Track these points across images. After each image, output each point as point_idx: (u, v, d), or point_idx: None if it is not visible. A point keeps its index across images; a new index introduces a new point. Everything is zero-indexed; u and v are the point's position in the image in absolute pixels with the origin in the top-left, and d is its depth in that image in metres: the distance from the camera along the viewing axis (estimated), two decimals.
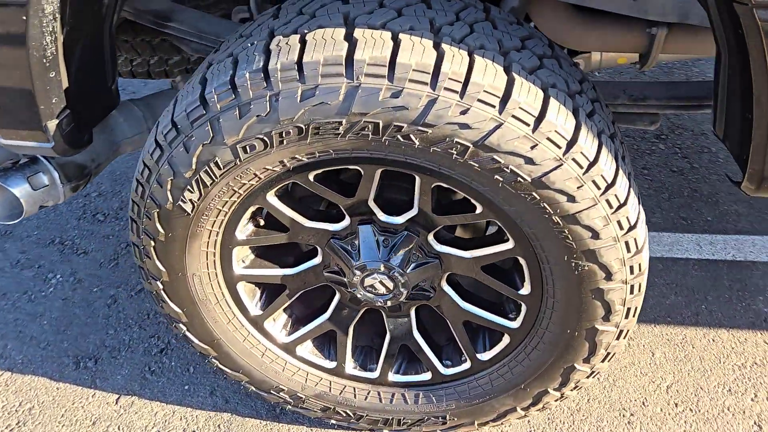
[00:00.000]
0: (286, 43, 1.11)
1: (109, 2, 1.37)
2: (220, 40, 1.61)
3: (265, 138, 1.14)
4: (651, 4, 1.53)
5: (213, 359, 1.59)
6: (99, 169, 1.67)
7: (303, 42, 1.11)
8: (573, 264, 1.22)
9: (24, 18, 1.13)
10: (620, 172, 1.17)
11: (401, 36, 1.09)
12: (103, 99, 1.49)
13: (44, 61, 1.19)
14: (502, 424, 1.62)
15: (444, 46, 1.08)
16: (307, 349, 1.61)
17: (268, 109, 1.11)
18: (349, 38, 1.09)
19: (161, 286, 1.44)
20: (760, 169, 1.11)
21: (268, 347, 1.58)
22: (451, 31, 1.12)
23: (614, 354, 1.41)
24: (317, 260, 1.46)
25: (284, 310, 1.57)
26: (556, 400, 1.52)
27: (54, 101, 1.26)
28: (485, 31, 1.16)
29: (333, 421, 1.70)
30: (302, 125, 1.11)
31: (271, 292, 1.56)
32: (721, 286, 2.09)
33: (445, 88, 1.06)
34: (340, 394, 1.63)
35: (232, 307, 1.51)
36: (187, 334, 1.54)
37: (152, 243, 1.36)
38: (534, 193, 1.13)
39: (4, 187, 1.47)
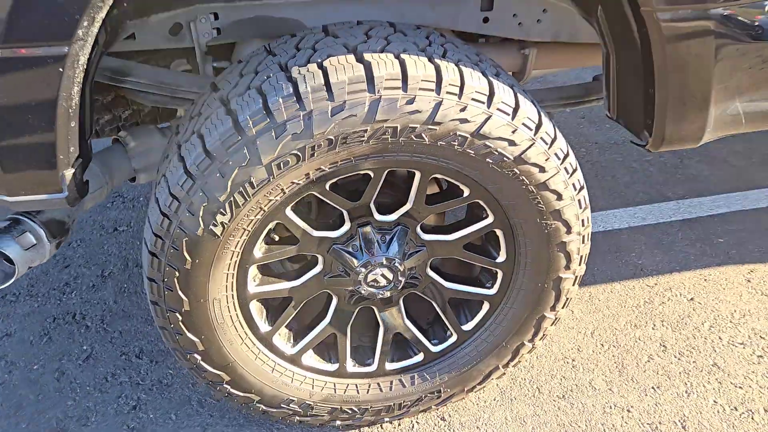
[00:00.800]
0: (308, 71, 1.32)
1: (92, 57, 1.45)
2: (182, 89, 1.73)
3: (298, 153, 1.32)
4: (533, 28, 1.95)
5: (225, 385, 1.66)
6: (73, 225, 1.68)
7: (322, 68, 1.32)
8: (543, 224, 1.54)
9: (60, 70, 1.20)
10: (568, 145, 1.53)
11: (403, 56, 1.35)
12: (84, 152, 1.54)
13: (70, 111, 1.26)
14: (484, 386, 1.87)
15: (436, 60, 1.36)
16: (311, 357, 1.75)
17: (303, 127, 1.30)
18: (362, 61, 1.33)
19: (180, 318, 1.51)
20: (662, 131, 1.53)
21: (277, 362, 1.69)
22: (433, 50, 1.41)
23: (571, 299, 1.74)
24: (319, 268, 1.63)
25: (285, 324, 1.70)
26: (528, 352, 1.81)
27: (71, 150, 1.32)
28: (454, 50, 1.46)
29: (338, 422, 1.83)
30: (333, 137, 1.31)
31: (274, 307, 1.69)
32: (603, 251, 2.57)
33: (447, 92, 1.33)
34: (345, 392, 1.78)
35: (245, 327, 1.61)
36: (202, 363, 1.60)
37: (176, 274, 1.44)
38: (515, 169, 1.44)
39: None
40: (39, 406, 1.99)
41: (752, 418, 1.91)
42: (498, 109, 1.38)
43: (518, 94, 1.43)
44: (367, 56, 1.33)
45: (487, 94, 1.37)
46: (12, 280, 1.50)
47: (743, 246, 2.58)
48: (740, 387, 2.00)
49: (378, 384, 1.80)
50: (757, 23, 1.42)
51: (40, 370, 2.11)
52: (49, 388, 2.05)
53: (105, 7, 1.18)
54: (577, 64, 2.14)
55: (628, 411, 1.94)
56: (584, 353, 2.13)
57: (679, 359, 2.10)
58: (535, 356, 2.12)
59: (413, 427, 1.91)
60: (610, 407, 1.95)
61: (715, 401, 1.96)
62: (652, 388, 2.01)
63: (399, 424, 1.91)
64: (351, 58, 1.33)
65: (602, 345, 2.16)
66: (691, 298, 2.34)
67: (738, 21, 1.40)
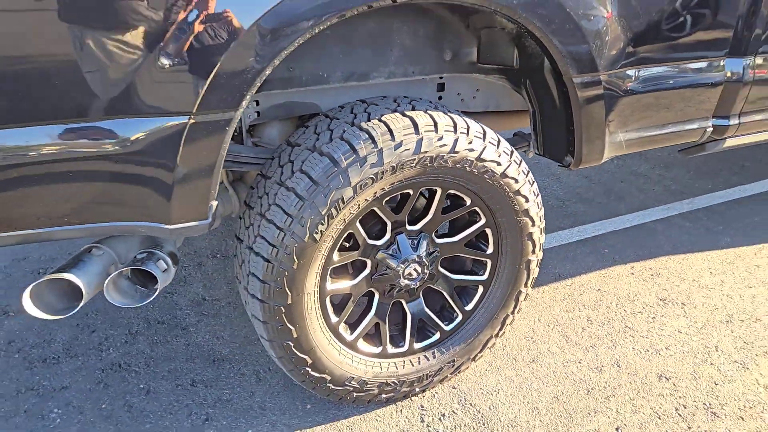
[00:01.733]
0: (374, 123, 2.01)
1: None
2: (242, 155, 2.30)
3: (373, 176, 1.98)
4: (471, 102, 2.79)
5: (307, 368, 2.17)
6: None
7: (383, 121, 2.02)
8: (518, 220, 2.30)
9: (227, 129, 1.78)
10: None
11: (429, 112, 2.09)
12: None
13: (222, 157, 1.83)
14: (482, 355, 2.53)
15: (449, 114, 2.12)
16: (362, 343, 2.31)
17: (377, 158, 1.97)
18: (406, 116, 2.04)
19: (283, 311, 2.04)
20: (580, 154, 2.38)
21: (341, 347, 2.24)
22: (443, 109, 2.16)
23: (535, 277, 2.49)
24: (368, 270, 2.24)
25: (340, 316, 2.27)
26: (510, 323, 2.51)
27: (217, 186, 1.88)
28: (451, 109, 2.23)
29: (383, 395, 2.37)
30: (395, 164, 2.00)
31: (335, 303, 2.26)
32: None
33: (461, 132, 2.08)
34: (388, 369, 2.34)
35: (322, 318, 2.16)
36: (293, 349, 2.12)
37: (285, 274, 1.99)
38: (501, 182, 2.20)
39: (150, 271, 1.92)
40: (122, 430, 2.32)
41: (659, 354, 2.73)
42: (489, 142, 2.15)
43: (497, 133, 2.22)
44: (408, 113, 2.06)
45: (483, 132, 2.15)
46: (154, 296, 1.96)
47: (623, 252, 3.52)
48: (646, 338, 2.83)
49: (410, 360, 2.39)
50: (627, 86, 2.35)
51: (108, 407, 2.44)
52: (123, 418, 2.39)
53: (258, 83, 1.80)
54: (497, 128, 3.02)
55: (579, 362, 2.68)
56: (538, 332, 2.87)
57: (602, 327, 2.91)
58: (504, 338, 2.82)
59: (434, 396, 2.49)
60: (567, 362, 2.68)
61: (633, 348, 2.77)
62: (591, 346, 2.78)
63: (424, 395, 2.49)
64: (398, 115, 2.05)
65: (548, 325, 2.92)
66: (599, 289, 3.19)
67: (615, 83, 2.32)
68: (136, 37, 1.64)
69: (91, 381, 2.57)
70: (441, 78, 2.56)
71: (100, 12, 1.60)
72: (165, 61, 1.67)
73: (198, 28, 1.68)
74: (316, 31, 1.80)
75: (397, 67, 2.41)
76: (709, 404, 2.46)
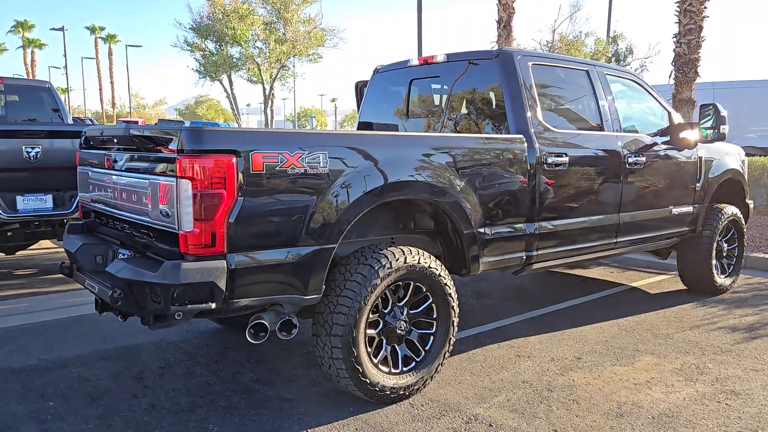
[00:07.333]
0: (385, 251, 4.48)
1: None
2: None
3: (387, 273, 4.40)
4: None
5: (359, 375, 4.32)
6: None
7: (389, 250, 4.49)
8: (447, 299, 4.79)
9: (331, 254, 4.16)
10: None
11: (409, 247, 4.61)
12: None
13: (329, 265, 4.18)
14: (435, 376, 4.80)
15: (417, 247, 4.65)
16: (381, 365, 4.52)
17: (389, 265, 4.41)
18: (398, 247, 4.55)
19: (351, 340, 4.25)
20: (469, 269, 4.99)
21: (372, 366, 4.44)
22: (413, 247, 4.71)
23: (456, 329, 4.91)
24: (381, 325, 4.55)
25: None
26: (446, 357, 4.85)
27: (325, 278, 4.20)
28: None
29: (392, 395, 4.52)
30: (396, 268, 4.44)
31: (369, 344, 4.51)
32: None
33: (420, 255, 4.61)
34: (393, 381, 4.54)
35: (365, 347, 4.38)
36: (354, 363, 4.28)
37: (353, 321, 4.24)
38: (438, 278, 4.70)
39: (292, 321, 4.10)
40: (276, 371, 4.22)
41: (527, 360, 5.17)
42: (432, 260, 4.69)
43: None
44: (399, 247, 4.56)
45: (430, 256, 4.69)
46: (294, 334, 4.11)
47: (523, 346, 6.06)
48: (530, 358, 5.28)
49: (403, 377, 4.61)
50: (485, 236, 5.08)
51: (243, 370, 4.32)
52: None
53: (341, 237, 4.22)
54: None
55: (474, 379, 5.04)
56: (450, 364, 5.21)
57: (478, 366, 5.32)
58: (443, 369, 5.11)
59: (416, 397, 4.68)
60: (465, 376, 5.03)
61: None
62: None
63: (411, 397, 4.66)
64: (394, 247, 4.54)
65: (457, 369, 5.27)
66: (516, 350, 5.64)
67: (480, 234, 5.03)
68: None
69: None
70: (392, 238, 5.15)
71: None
72: (316, 225, 4.09)
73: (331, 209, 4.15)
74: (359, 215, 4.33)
75: (378, 232, 4.97)
76: None
